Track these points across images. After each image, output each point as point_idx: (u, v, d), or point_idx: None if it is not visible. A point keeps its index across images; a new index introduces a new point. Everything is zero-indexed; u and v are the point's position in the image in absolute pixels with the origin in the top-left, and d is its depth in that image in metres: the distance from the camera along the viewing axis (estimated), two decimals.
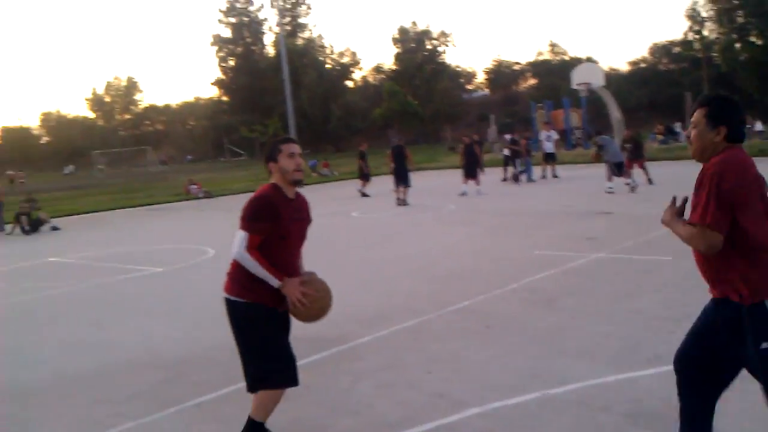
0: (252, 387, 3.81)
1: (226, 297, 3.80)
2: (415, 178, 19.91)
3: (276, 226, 3.68)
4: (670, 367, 4.70)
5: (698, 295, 6.95)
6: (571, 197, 16.71)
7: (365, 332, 6.26)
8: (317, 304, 3.81)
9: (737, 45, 63.92)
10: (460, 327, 6.30)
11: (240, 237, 3.66)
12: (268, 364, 3.75)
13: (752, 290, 2.84)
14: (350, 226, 14.99)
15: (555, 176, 22.55)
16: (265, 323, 3.76)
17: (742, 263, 2.85)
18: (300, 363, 5.35)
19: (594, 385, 4.61)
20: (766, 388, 2.88)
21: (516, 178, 21.84)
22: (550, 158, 22.86)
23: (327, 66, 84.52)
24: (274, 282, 3.67)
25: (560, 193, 18.21)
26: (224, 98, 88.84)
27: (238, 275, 3.76)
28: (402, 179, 18.38)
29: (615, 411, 4.17)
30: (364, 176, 21.87)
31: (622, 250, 9.34)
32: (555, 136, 24.04)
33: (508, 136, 24.08)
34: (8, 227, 19.07)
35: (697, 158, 3.03)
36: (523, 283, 7.82)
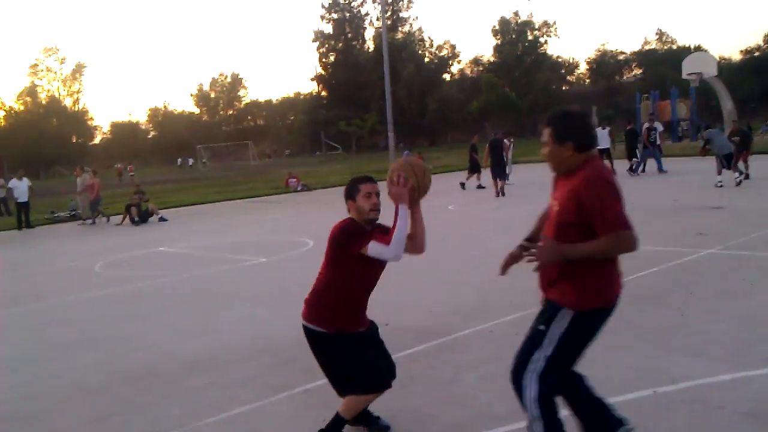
0: (342, 394, 3.93)
1: (306, 325, 3.91)
2: (513, 170, 19.79)
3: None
4: None
5: None
6: (679, 191, 16.08)
7: (467, 325, 6.26)
8: (418, 176, 3.84)
9: None
10: None
11: (375, 249, 3.69)
12: (355, 383, 3.84)
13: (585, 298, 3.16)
14: (447, 219, 14.95)
15: (633, 171, 21.96)
16: (347, 349, 3.85)
17: (599, 265, 3.17)
18: (404, 353, 5.46)
19: (707, 383, 4.45)
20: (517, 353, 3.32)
21: (632, 169, 21.50)
22: None
23: (425, 60, 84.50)
24: (408, 219, 3.79)
25: (667, 186, 17.54)
26: (323, 93, 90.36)
27: (316, 303, 3.89)
28: (499, 172, 18.43)
29: (732, 410, 4.02)
30: (475, 168, 21.61)
31: (735, 246, 8.93)
32: (660, 128, 23.33)
33: (599, 128, 23.45)
34: (118, 218, 20.15)
35: (555, 171, 3.33)
36: (631, 278, 7.57)
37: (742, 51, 76.15)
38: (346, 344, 3.84)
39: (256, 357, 5.94)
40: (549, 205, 3.38)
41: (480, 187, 21.00)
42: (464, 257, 10.01)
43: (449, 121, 77.50)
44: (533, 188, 20.00)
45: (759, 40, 74.46)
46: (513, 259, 3.62)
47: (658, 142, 22.09)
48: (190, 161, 79.88)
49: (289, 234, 14.21)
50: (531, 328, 3.33)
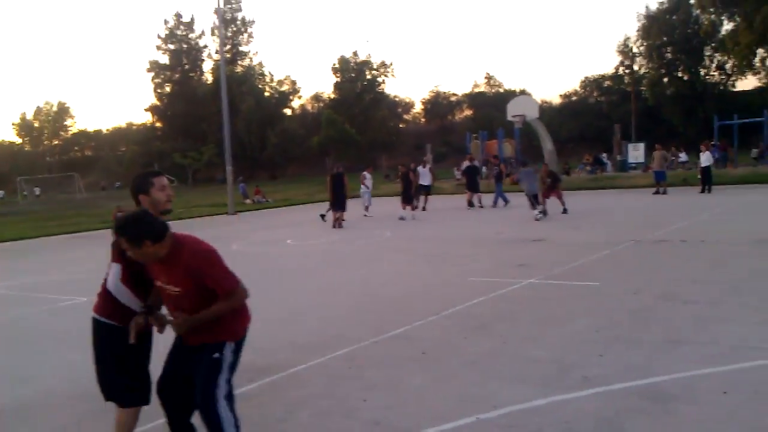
0: (108, 397, 4.03)
1: (96, 318, 3.99)
2: (350, 204, 20.19)
3: None
4: (600, 389, 4.85)
5: (625, 318, 7.16)
6: (503, 225, 17.02)
7: (299, 361, 6.18)
8: None
9: (665, 79, 67.18)
10: (397, 354, 6.29)
11: (114, 269, 3.86)
12: (126, 382, 3.94)
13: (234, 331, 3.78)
14: (285, 254, 14.85)
15: (472, 205, 23.09)
16: (129, 346, 3.91)
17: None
18: (234, 392, 5.26)
19: (525, 408, 4.66)
20: (201, 384, 3.67)
21: (470, 203, 22.82)
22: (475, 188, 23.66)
23: (266, 94, 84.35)
24: (138, 308, 3.93)
25: (492, 220, 18.52)
26: (158, 124, 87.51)
27: (110, 298, 3.94)
28: (339, 205, 18.95)
29: None
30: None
31: (553, 276, 9.54)
32: (477, 165, 25.48)
33: (420, 167, 24.34)
34: None
35: (150, 263, 3.71)
36: (458, 309, 7.88)
37: (561, 95, 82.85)
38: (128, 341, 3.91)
39: (72, 404, 5.52)
40: (160, 286, 3.75)
41: (322, 216, 21.22)
42: (299, 292, 9.94)
43: (290, 155, 77.61)
44: (371, 222, 20.41)
45: (576, 86, 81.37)
46: (139, 326, 3.85)
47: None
48: (37, 191, 74.40)
49: None
50: (205, 362, 3.69)
